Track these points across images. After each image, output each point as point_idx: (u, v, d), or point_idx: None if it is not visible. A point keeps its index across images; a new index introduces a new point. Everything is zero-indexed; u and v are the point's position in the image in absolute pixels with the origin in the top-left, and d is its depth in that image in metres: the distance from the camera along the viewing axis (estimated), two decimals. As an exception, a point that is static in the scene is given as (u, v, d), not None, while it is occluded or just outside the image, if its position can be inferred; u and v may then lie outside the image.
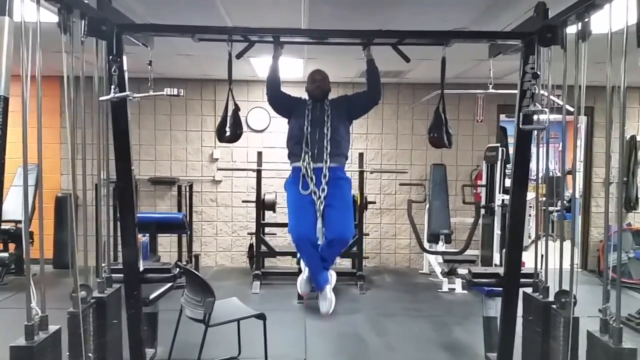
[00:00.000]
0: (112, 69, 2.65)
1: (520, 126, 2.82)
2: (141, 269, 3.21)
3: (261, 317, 3.27)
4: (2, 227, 5.53)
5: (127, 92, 2.64)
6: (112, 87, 2.65)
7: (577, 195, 7.04)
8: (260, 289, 5.48)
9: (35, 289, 2.18)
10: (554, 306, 2.77)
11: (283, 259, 6.36)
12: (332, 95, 3.33)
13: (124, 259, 3.14)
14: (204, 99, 6.57)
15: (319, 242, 3.10)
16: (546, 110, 2.71)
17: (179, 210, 6.17)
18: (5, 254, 5.42)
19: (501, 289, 3.28)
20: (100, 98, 2.72)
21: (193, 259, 6.05)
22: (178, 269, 3.32)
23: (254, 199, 5.78)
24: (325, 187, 3.04)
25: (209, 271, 6.36)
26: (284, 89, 3.27)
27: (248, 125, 6.56)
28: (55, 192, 6.32)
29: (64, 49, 2.34)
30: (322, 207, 3.03)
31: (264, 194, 5.76)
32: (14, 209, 5.77)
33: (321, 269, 3.09)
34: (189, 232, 6.07)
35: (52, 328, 2.23)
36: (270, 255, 5.89)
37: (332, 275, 3.22)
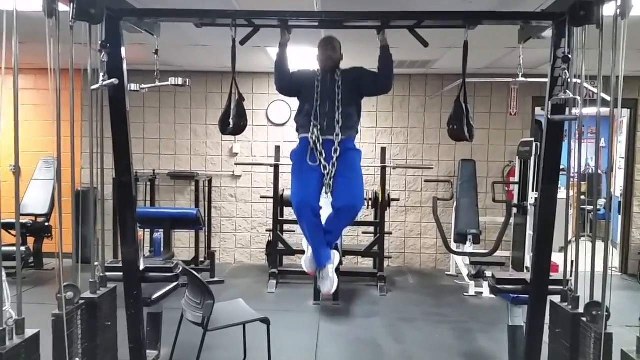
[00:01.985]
0: (102, 56, 2.48)
1: (549, 117, 2.51)
2: (141, 267, 3.07)
3: (265, 321, 3.07)
4: (21, 221, 5.56)
5: (114, 79, 2.46)
6: (102, 75, 2.48)
7: (617, 194, 6.56)
8: (277, 288, 5.30)
9: (10, 290, 2.05)
10: (584, 319, 2.47)
11: (301, 258, 6.15)
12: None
13: (123, 257, 3.00)
14: (224, 92, 6.42)
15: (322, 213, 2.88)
16: (578, 98, 2.40)
17: (197, 205, 6.06)
18: (22, 248, 5.40)
19: (527, 296, 2.99)
20: (92, 87, 2.56)
21: (209, 256, 5.90)
22: (180, 269, 3.16)
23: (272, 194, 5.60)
24: (336, 163, 2.84)
25: (227, 268, 6.23)
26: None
27: (268, 119, 6.39)
28: (75, 186, 6.31)
29: (48, 34, 2.20)
30: (331, 183, 2.83)
31: (283, 190, 5.57)
32: (34, 203, 5.79)
33: (324, 243, 2.88)
34: (205, 228, 5.95)
35: (30, 332, 2.10)
36: (288, 253, 5.70)
37: (336, 255, 2.99)
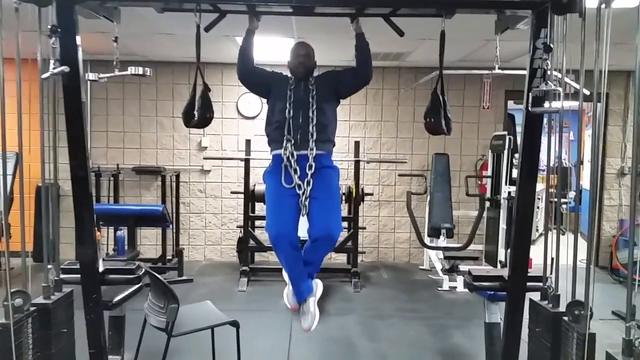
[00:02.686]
0: (52, 42, 2.27)
1: (530, 109, 2.42)
2: (100, 269, 2.87)
3: (234, 324, 2.92)
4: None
5: (64, 67, 2.25)
6: (52, 62, 2.27)
7: (587, 187, 6.63)
8: (248, 286, 5.14)
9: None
10: (566, 318, 2.40)
11: (274, 254, 5.99)
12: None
13: (80, 259, 2.78)
14: (192, 83, 6.17)
15: (301, 243, 2.70)
16: (560, 90, 2.32)
17: (163, 201, 5.82)
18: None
19: (505, 293, 2.92)
20: (42, 76, 2.35)
21: (177, 254, 5.69)
22: (143, 270, 2.97)
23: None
24: (311, 180, 2.66)
25: (196, 266, 6.02)
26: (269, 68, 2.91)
27: (239, 112, 6.19)
28: (36, 182, 5.99)
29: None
30: (307, 202, 2.65)
31: (254, 185, 5.40)
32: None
33: (304, 276, 2.71)
34: (172, 225, 5.73)
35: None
36: (260, 250, 5.54)
37: (318, 285, 2.81)
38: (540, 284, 2.74)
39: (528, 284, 2.77)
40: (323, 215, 2.65)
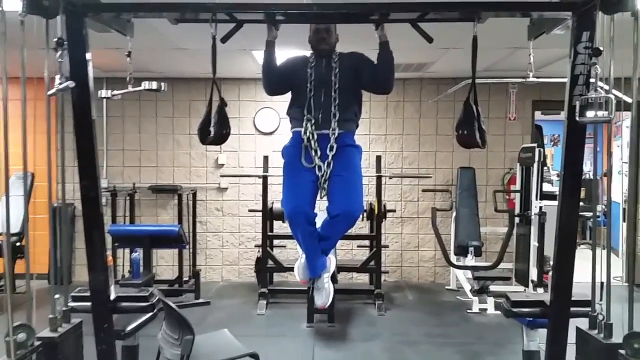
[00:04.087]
0: (58, 55, 2.13)
1: (577, 118, 2.20)
2: (112, 297, 2.70)
3: (254, 356, 2.70)
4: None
5: (69, 82, 2.11)
6: (57, 77, 2.13)
7: (620, 200, 6.30)
8: (267, 309, 4.92)
9: None
10: (623, 351, 2.14)
11: (293, 275, 5.79)
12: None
13: (91, 286, 2.61)
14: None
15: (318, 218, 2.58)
16: (612, 96, 2.10)
17: (180, 220, 5.67)
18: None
19: (546, 320, 2.67)
20: (48, 93, 2.21)
21: (194, 275, 5.50)
22: (157, 298, 2.79)
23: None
24: (332, 162, 2.51)
25: (213, 287, 5.83)
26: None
27: (256, 128, 6.04)
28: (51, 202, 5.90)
29: None
30: (326, 185, 2.52)
31: (272, 202, 5.21)
32: (2, 221, 5.37)
33: (318, 251, 2.57)
34: (189, 245, 5.57)
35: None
36: (280, 270, 5.33)
37: (332, 261, 2.69)
38: (587, 309, 2.49)
39: (572, 309, 2.54)
40: (344, 193, 2.51)
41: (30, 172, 5.52)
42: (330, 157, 2.51)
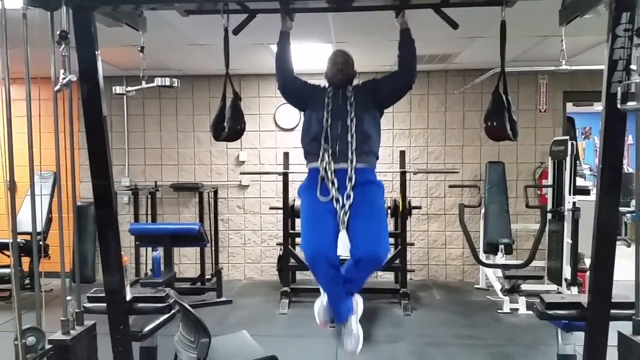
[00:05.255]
0: (62, 49, 2.05)
1: (619, 106, 2.01)
2: (128, 297, 2.64)
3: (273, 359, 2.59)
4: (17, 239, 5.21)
5: (71, 76, 2.03)
6: (62, 72, 2.05)
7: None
8: (289, 308, 4.82)
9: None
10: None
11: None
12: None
13: (106, 287, 2.56)
14: (229, 97, 5.99)
15: (340, 261, 2.39)
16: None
17: (201, 218, 5.62)
18: (6, 270, 5.00)
19: (583, 323, 2.49)
20: (55, 88, 2.13)
21: (216, 273, 5.45)
22: (173, 299, 2.71)
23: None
24: (351, 194, 2.38)
25: (236, 285, 5.77)
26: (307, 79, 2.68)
27: (276, 124, 5.93)
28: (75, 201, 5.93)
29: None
30: (346, 219, 2.36)
31: (293, 200, 5.10)
32: (28, 220, 5.41)
33: (342, 295, 2.39)
34: (211, 243, 5.51)
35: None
36: (302, 269, 5.22)
37: (358, 302, 2.50)
38: (630, 311, 2.31)
39: (612, 311, 2.36)
40: (368, 235, 2.35)
41: (52, 172, 5.55)
42: (349, 189, 2.38)
